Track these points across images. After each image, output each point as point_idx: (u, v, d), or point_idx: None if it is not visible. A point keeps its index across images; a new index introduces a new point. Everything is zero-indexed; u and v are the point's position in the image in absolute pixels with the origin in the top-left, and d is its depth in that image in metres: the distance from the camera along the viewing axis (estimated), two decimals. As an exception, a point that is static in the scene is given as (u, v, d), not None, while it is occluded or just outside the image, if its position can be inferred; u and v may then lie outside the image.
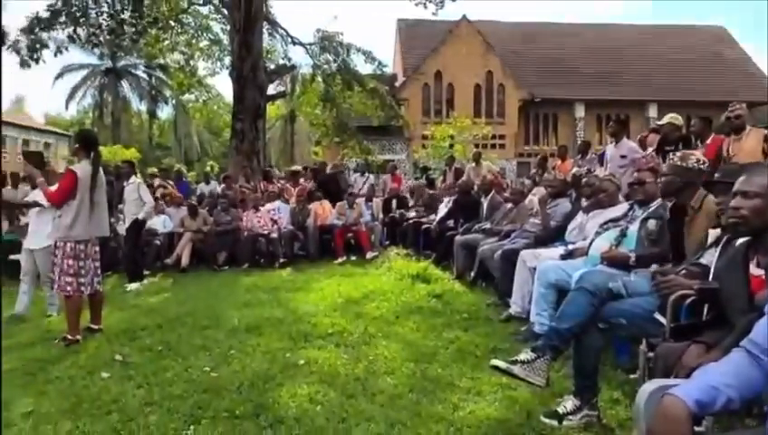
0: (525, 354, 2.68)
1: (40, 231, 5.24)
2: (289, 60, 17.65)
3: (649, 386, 1.61)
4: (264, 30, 14.62)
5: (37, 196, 5.21)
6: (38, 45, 12.15)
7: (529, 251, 4.56)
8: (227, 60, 16.90)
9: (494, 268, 5.23)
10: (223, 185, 10.60)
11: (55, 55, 12.70)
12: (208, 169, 20.70)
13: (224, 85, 40.94)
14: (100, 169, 4.59)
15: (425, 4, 15.43)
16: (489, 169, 10.34)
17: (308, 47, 16.58)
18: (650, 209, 3.29)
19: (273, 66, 16.26)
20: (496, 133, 23.37)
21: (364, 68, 17.52)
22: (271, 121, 29.56)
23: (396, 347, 3.94)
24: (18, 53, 11.97)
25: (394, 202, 9.96)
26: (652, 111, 24.72)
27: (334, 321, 4.67)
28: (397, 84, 25.21)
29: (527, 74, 25.20)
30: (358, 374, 3.42)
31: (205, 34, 17.63)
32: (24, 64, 12.07)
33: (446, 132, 20.35)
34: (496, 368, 2.71)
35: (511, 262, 4.67)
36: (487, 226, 6.32)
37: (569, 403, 2.67)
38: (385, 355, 3.76)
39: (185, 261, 8.10)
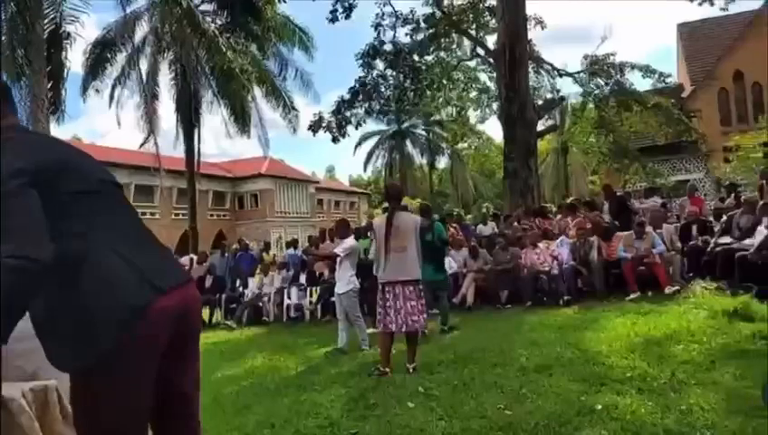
0: None
1: (342, 278, 6.24)
2: (557, 92, 17.44)
3: None
4: (530, 68, 14.81)
5: (338, 248, 6.32)
6: (343, 123, 14.81)
7: None
8: (495, 105, 17.63)
9: None
10: (501, 224, 10.83)
11: (356, 128, 15.31)
12: (484, 210, 21.53)
13: (493, 129, 42.71)
14: (400, 217, 4.91)
15: (710, 0, 13.50)
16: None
17: (576, 76, 16.12)
18: None
19: (540, 102, 16.26)
20: (832, 134, 18.41)
21: (642, 84, 16.17)
22: (542, 156, 29.29)
23: (715, 397, 3.35)
24: (330, 131, 14.79)
25: (694, 228, 8.64)
26: None
27: (633, 363, 4.25)
28: (684, 95, 22.33)
29: None
30: (668, 425, 3.02)
31: (473, 85, 18.82)
32: (335, 140, 14.86)
33: (756, 140, 16.97)
34: None
35: None
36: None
37: None
38: (701, 406, 3.23)
39: (470, 300, 8.50)
